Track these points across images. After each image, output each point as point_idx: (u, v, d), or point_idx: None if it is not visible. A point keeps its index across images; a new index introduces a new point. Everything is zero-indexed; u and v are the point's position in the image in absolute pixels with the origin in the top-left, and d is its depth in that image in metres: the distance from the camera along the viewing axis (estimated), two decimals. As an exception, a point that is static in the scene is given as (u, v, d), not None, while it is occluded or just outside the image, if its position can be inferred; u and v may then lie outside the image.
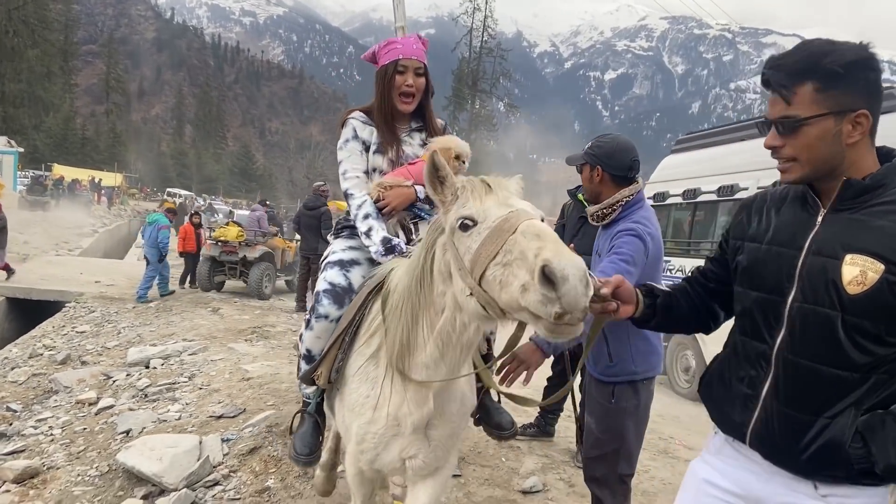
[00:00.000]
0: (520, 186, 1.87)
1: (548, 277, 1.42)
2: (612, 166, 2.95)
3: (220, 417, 5.20)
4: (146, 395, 6.00)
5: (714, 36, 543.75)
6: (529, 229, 1.57)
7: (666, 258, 5.15)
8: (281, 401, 5.49)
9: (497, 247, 1.59)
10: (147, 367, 6.86)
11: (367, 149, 2.84)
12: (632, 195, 2.98)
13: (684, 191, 8.82)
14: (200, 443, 4.57)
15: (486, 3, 61.10)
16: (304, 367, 2.60)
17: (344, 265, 2.70)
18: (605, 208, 2.99)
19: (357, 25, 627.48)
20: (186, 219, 14.68)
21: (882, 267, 1.50)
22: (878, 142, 1.68)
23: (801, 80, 1.58)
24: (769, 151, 1.70)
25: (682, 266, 8.47)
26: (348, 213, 2.87)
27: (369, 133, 2.84)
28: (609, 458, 2.96)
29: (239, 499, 4.07)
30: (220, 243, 12.39)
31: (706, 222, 8.62)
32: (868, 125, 1.58)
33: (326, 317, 2.54)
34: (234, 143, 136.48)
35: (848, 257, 1.55)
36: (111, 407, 5.80)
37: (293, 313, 10.84)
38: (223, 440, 4.73)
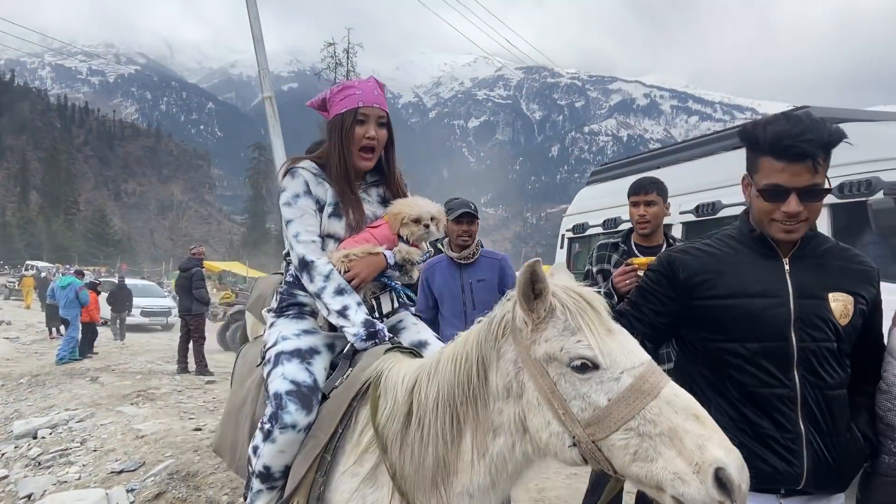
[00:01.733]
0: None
1: (721, 482, 1.35)
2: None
3: (120, 472, 5.54)
4: (39, 463, 6.15)
5: (566, 84, 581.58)
6: (678, 401, 1.46)
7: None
8: (178, 451, 5.88)
9: (634, 411, 1.45)
10: (35, 438, 6.93)
11: (320, 209, 2.39)
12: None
13: (604, 221, 8.89)
14: (107, 495, 4.93)
15: (348, 57, 62.68)
16: (259, 486, 2.13)
17: (303, 356, 2.25)
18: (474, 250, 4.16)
19: (216, 81, 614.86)
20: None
21: (852, 299, 1.90)
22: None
23: (819, 152, 1.81)
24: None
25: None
26: (293, 284, 2.45)
27: (324, 191, 2.39)
28: None
29: (151, 537, 4.49)
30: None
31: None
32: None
33: (294, 426, 2.07)
34: (86, 206, 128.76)
35: (830, 296, 1.89)
36: (5, 477, 5.91)
37: (175, 375, 10.96)
38: (128, 490, 5.10)
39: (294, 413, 2.08)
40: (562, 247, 9.29)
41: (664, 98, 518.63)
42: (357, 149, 2.41)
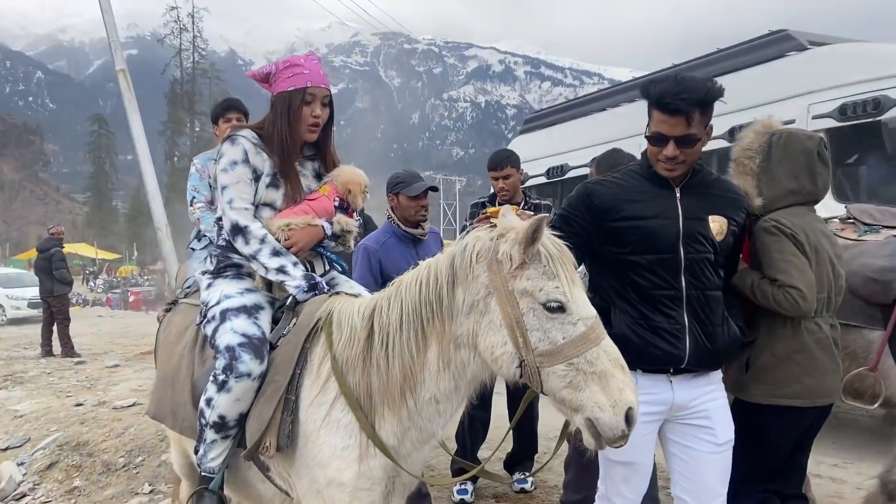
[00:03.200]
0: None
1: (628, 418, 1.77)
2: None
3: (6, 449, 5.60)
4: None
5: (423, 50, 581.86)
6: (612, 353, 1.83)
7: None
8: (63, 425, 6.00)
9: (580, 351, 1.80)
10: None
11: (256, 178, 2.49)
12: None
13: (548, 169, 8.99)
14: (-3, 469, 5.03)
15: (193, 22, 59.44)
16: (214, 436, 2.26)
17: (249, 311, 2.38)
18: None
19: (44, 48, 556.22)
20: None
21: (726, 221, 2.41)
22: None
23: (694, 108, 2.26)
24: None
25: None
26: (227, 247, 2.55)
27: (262, 161, 2.49)
28: None
29: (49, 501, 4.72)
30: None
31: None
32: (711, 133, 2.40)
33: (249, 375, 2.20)
34: None
35: (710, 218, 2.39)
36: None
37: (40, 359, 10.63)
38: (18, 464, 5.22)
39: (248, 362, 2.21)
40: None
41: (518, 64, 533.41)
42: (304, 125, 2.52)
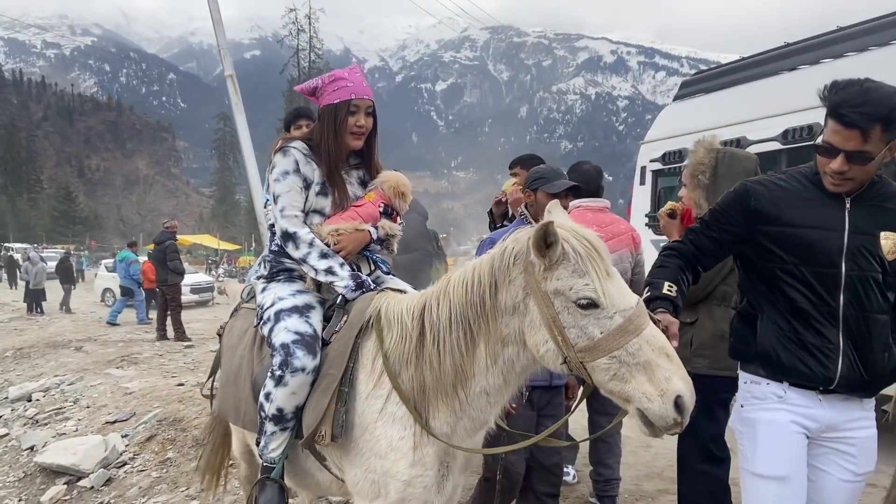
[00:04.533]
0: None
1: (678, 406, 1.75)
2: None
3: (114, 422, 6.22)
4: (37, 421, 6.80)
5: (532, 43, 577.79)
6: (655, 341, 1.81)
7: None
8: (165, 402, 6.58)
9: (619, 344, 1.80)
10: (30, 401, 7.56)
11: (307, 186, 2.63)
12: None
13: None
14: (104, 440, 5.61)
15: (310, 23, 62.01)
16: (273, 428, 2.39)
17: (301, 311, 2.51)
18: None
19: (176, 51, 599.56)
20: (143, 257, 16.32)
21: None
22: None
23: (874, 124, 2.01)
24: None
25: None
26: (279, 252, 2.69)
27: (311, 170, 2.63)
28: None
29: (145, 469, 5.23)
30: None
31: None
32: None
33: (303, 370, 2.34)
34: (50, 184, 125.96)
35: (882, 234, 2.17)
36: (6, 435, 6.56)
37: (155, 342, 11.61)
38: (122, 436, 5.80)
39: (302, 358, 2.33)
40: (643, 182, 7.82)
41: (631, 54, 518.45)
42: (348, 134, 2.65)
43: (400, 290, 2.62)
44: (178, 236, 15.23)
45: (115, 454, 5.39)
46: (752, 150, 6.27)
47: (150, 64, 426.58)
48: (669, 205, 3.40)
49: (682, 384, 1.77)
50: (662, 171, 7.59)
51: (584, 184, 3.19)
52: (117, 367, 8.90)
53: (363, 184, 2.83)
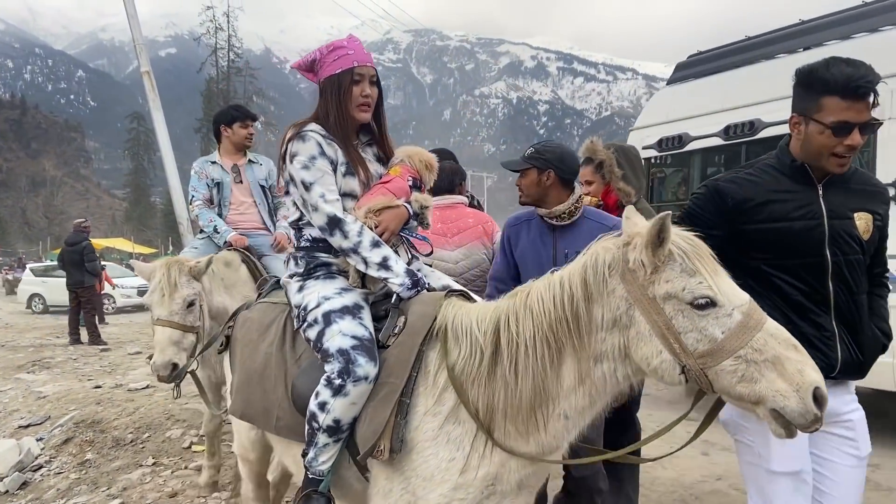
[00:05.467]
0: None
1: (816, 398, 1.64)
2: (565, 170, 3.08)
3: (27, 426, 6.02)
4: (-58, 429, 6.48)
5: (455, 47, 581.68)
6: (780, 334, 1.70)
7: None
8: (81, 405, 6.40)
9: (744, 342, 1.68)
10: (-67, 408, 7.17)
11: (333, 169, 2.43)
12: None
13: (727, 127, 6.43)
14: (17, 443, 5.43)
15: (229, 21, 60.53)
16: (326, 440, 2.18)
17: (353, 312, 2.29)
18: (575, 204, 3.09)
19: (85, 48, 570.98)
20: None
21: (871, 217, 2.23)
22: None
23: (875, 91, 2.06)
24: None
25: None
26: (312, 247, 2.49)
27: (333, 151, 2.44)
28: None
29: (63, 472, 5.10)
30: None
31: None
32: None
33: (366, 378, 2.13)
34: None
35: (855, 215, 2.20)
36: None
37: (68, 346, 11.18)
38: (37, 439, 5.62)
39: (365, 365, 2.13)
40: None
41: (550, 60, 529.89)
42: (355, 105, 2.47)
43: (465, 293, 2.43)
44: (90, 240, 14.70)
45: (30, 458, 5.22)
46: (771, 132, 5.87)
47: (56, 60, 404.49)
48: (590, 200, 3.60)
49: (816, 374, 1.67)
50: (658, 159, 7.12)
51: (438, 181, 2.99)
52: (28, 372, 8.54)
53: (380, 161, 2.65)
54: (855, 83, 2.05)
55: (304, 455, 2.24)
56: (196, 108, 59.58)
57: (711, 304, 1.72)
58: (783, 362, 1.66)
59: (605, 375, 1.88)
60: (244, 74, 61.39)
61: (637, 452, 3.03)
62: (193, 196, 4.83)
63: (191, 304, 3.72)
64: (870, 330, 2.29)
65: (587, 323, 1.87)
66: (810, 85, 2.15)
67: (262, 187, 5.00)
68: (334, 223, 2.33)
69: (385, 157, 2.65)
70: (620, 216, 2.80)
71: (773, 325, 1.72)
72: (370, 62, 2.51)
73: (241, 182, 4.91)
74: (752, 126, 6.12)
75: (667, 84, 7.52)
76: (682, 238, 1.79)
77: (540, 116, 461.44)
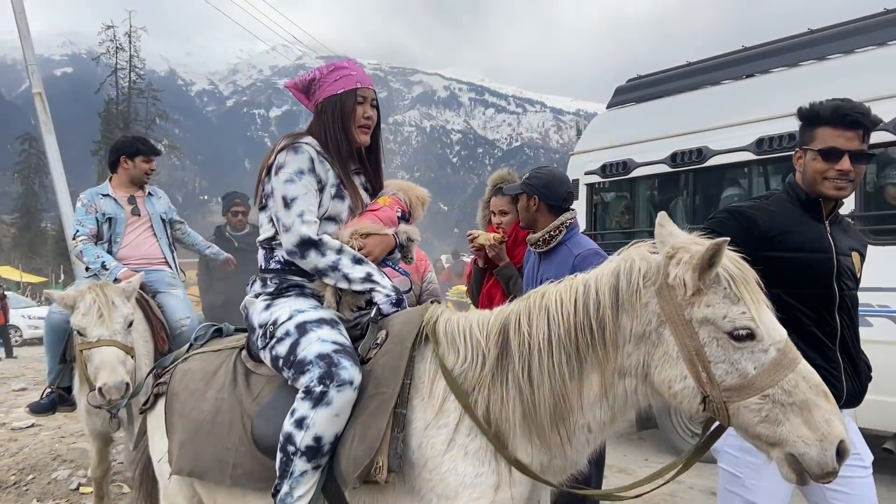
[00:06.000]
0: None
1: (840, 453, 1.56)
2: (549, 196, 3.18)
3: None
4: None
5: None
6: (812, 378, 1.61)
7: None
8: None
9: (775, 381, 1.59)
10: None
11: (320, 189, 2.30)
12: (570, 220, 3.22)
13: (674, 154, 6.17)
14: None
15: (130, 42, 58.41)
16: (304, 467, 1.92)
17: (331, 323, 2.15)
18: (550, 232, 3.14)
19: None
20: None
21: (860, 256, 2.42)
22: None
23: (868, 125, 2.25)
24: None
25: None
26: (283, 270, 2.32)
27: (325, 170, 2.32)
28: None
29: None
30: None
31: (718, 194, 6.16)
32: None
33: (351, 383, 1.94)
34: None
35: (853, 253, 2.37)
36: None
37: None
38: None
39: (349, 368, 1.95)
40: (574, 198, 6.19)
41: (463, 91, 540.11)
42: (356, 126, 2.40)
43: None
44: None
45: None
46: (719, 160, 5.79)
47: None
48: (494, 236, 3.72)
49: (843, 429, 1.60)
50: (601, 185, 6.91)
51: None
52: None
53: (367, 191, 2.53)
54: (843, 112, 2.23)
55: (276, 493, 1.96)
56: (93, 130, 56.70)
57: (750, 336, 1.62)
58: (811, 409, 1.58)
59: (626, 392, 1.78)
60: (147, 96, 59.25)
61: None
62: (78, 230, 4.52)
63: (130, 325, 3.64)
64: (861, 360, 2.40)
65: (613, 333, 1.75)
66: (808, 120, 2.33)
67: (163, 220, 4.86)
68: (309, 243, 2.19)
69: (373, 189, 2.57)
70: (525, 248, 2.83)
71: (806, 368, 1.64)
72: (372, 84, 2.47)
73: (138, 215, 4.72)
74: (700, 154, 5.92)
75: (607, 108, 7.30)
76: (730, 261, 1.69)
77: (453, 145, 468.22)
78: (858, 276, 2.39)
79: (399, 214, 2.50)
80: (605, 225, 7.17)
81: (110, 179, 4.80)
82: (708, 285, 1.65)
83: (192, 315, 4.55)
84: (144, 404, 2.66)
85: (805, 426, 1.57)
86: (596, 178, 6.80)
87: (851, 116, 2.22)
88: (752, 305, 1.63)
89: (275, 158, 2.30)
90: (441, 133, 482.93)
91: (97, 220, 4.55)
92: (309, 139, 2.35)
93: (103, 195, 4.65)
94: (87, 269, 4.57)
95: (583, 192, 6.78)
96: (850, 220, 2.59)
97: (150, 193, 4.86)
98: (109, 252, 4.52)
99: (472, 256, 4.16)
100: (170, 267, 4.78)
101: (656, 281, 1.71)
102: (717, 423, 1.74)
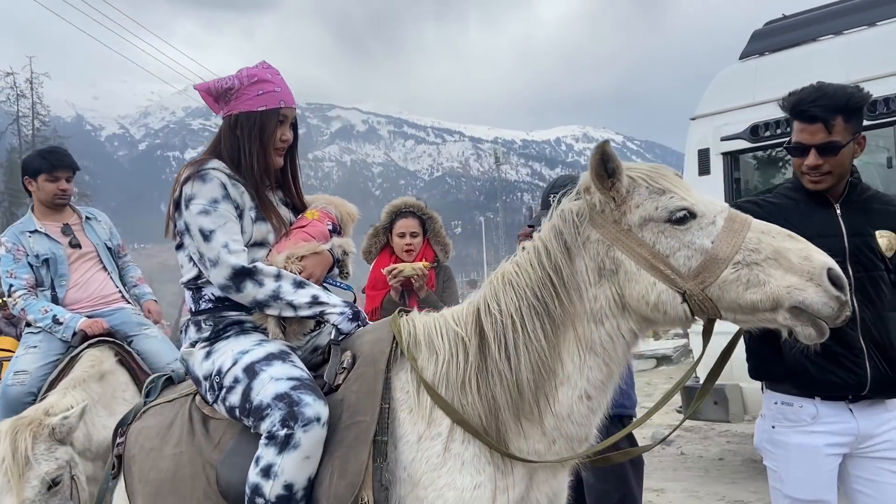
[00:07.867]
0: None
1: (833, 280, 1.54)
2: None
3: None
4: None
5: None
6: (770, 228, 1.63)
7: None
8: None
9: (737, 245, 1.59)
10: None
11: (239, 215, 2.12)
12: None
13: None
14: None
15: (32, 88, 56.18)
16: None
17: (281, 357, 1.98)
18: None
19: None
20: None
21: (895, 234, 2.27)
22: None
23: (835, 115, 2.13)
24: None
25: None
26: (217, 308, 2.12)
27: (239, 194, 2.13)
28: None
29: None
30: None
31: None
32: (864, 144, 2.27)
33: (318, 419, 1.78)
34: None
35: (877, 233, 2.25)
36: None
37: None
38: None
39: (313, 403, 1.79)
40: (704, 171, 5.34)
41: (381, 124, 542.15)
42: (273, 148, 2.22)
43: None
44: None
45: None
46: None
47: None
48: (423, 265, 3.77)
49: (824, 256, 1.60)
50: (746, 152, 5.30)
51: None
52: None
53: (287, 206, 2.38)
54: (798, 107, 2.21)
55: None
56: (-4, 181, 53.98)
57: (691, 215, 1.67)
58: (785, 254, 1.60)
59: (611, 336, 1.76)
60: (52, 143, 56.94)
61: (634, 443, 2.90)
62: (12, 284, 3.64)
63: (55, 484, 2.80)
64: None
65: (571, 276, 1.75)
66: (784, 109, 2.33)
67: (109, 249, 4.01)
68: (242, 274, 2.01)
69: (293, 204, 2.41)
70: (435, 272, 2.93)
71: (760, 223, 1.67)
72: (294, 103, 2.29)
73: (79, 247, 3.84)
74: (888, 104, 4.57)
75: (740, 59, 5.62)
76: (639, 166, 1.77)
77: (374, 178, 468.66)
78: (889, 254, 2.28)
79: (330, 227, 2.35)
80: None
81: (32, 209, 3.95)
82: (630, 191, 1.72)
83: (177, 354, 3.51)
84: (112, 468, 2.40)
85: (789, 273, 1.58)
86: (742, 144, 5.21)
87: (809, 111, 2.18)
88: (679, 190, 1.70)
89: (181, 191, 2.10)
90: (362, 167, 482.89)
91: (31, 266, 3.70)
92: (215, 163, 2.15)
93: (31, 232, 3.76)
94: (26, 325, 3.78)
95: (717, 163, 5.31)
96: (888, 196, 2.48)
97: (87, 217, 3.99)
98: (55, 299, 3.71)
99: (371, 290, 4.10)
100: (128, 303, 3.99)
101: (587, 214, 1.78)
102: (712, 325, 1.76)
